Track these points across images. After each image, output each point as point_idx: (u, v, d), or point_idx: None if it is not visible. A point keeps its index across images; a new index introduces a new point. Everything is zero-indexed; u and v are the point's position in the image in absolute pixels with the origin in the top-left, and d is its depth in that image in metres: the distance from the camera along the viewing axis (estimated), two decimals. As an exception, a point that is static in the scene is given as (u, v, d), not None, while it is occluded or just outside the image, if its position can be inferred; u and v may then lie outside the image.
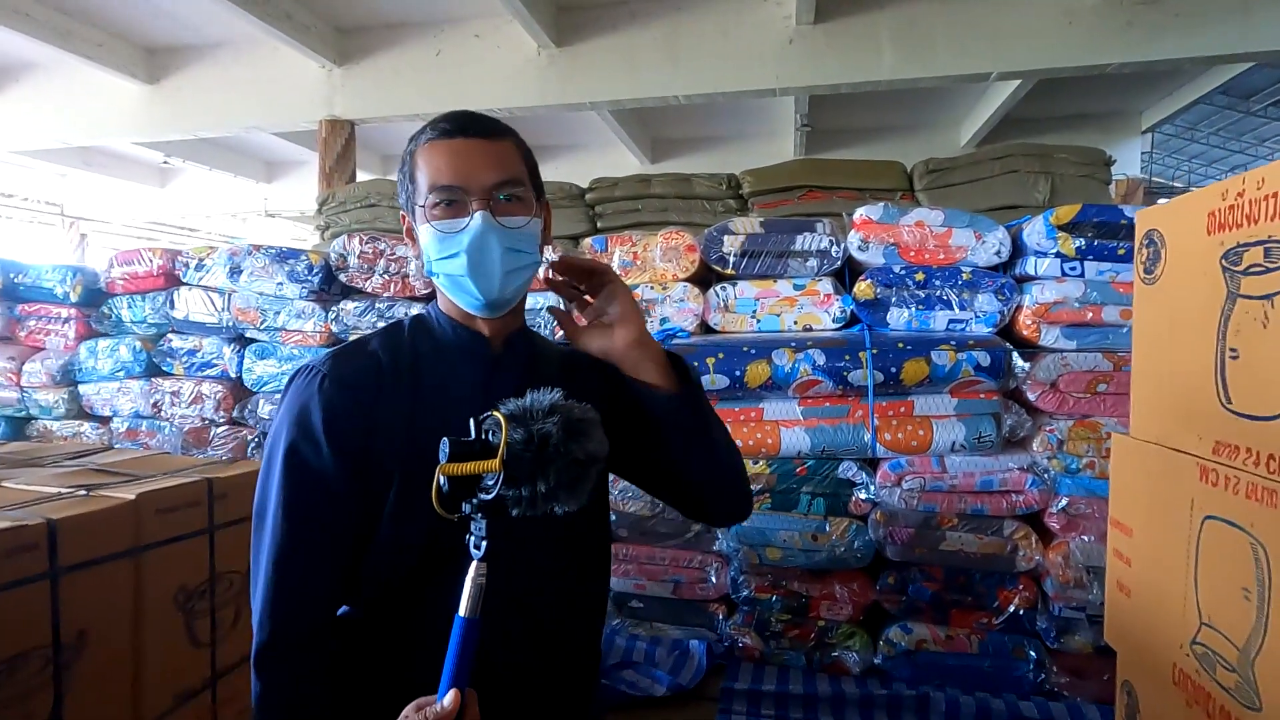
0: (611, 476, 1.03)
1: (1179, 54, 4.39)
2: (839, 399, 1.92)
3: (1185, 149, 9.80)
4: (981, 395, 1.87)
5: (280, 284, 2.40)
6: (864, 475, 1.92)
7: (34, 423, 2.69)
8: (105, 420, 2.64)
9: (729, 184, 3.09)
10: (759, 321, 2.09)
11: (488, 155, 0.83)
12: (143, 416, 2.57)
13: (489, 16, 4.97)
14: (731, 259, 2.10)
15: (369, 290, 2.38)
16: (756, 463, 1.94)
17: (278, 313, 2.42)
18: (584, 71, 5.00)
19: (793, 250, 2.08)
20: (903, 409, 1.90)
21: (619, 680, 1.89)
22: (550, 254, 0.95)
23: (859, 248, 2.05)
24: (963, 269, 1.97)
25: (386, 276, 2.37)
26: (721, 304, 2.11)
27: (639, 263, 2.22)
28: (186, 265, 2.52)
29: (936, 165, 2.89)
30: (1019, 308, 1.93)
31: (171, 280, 2.57)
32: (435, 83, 5.18)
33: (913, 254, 2.01)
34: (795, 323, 2.07)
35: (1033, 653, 1.85)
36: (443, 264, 0.84)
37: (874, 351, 1.85)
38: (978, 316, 1.95)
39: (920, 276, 1.97)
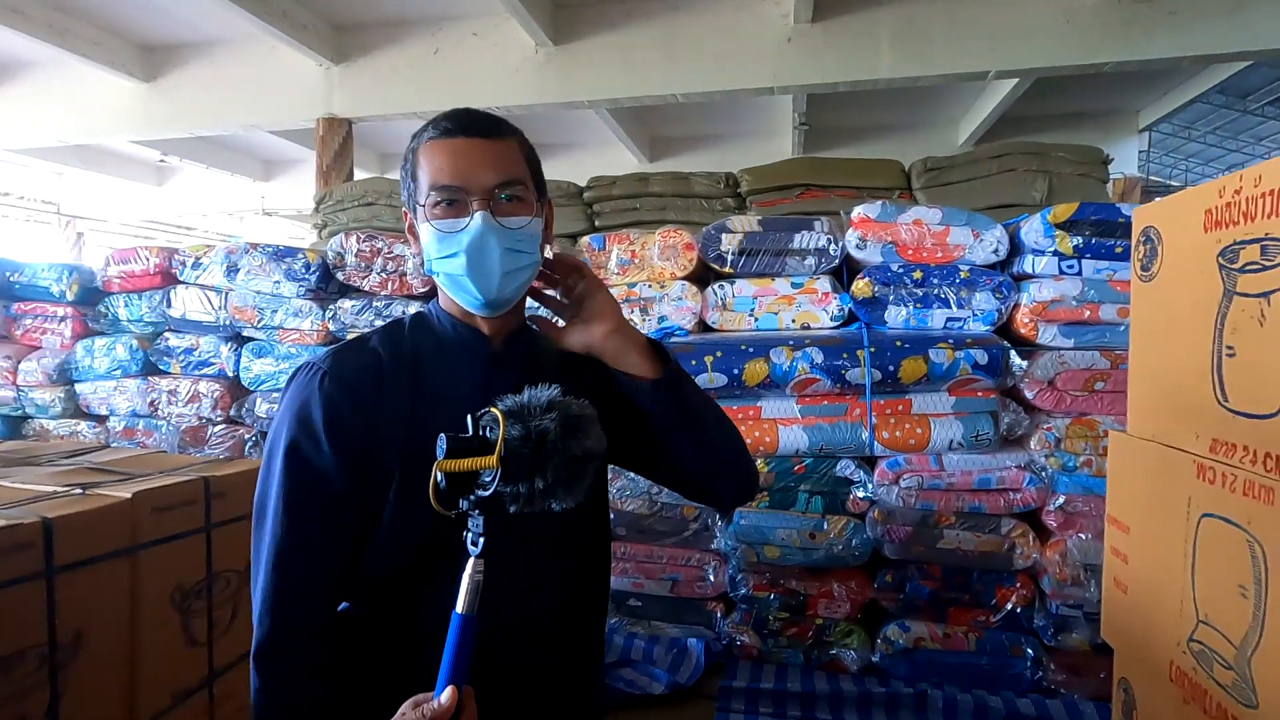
0: (610, 474, 1.03)
1: (1176, 53, 4.39)
2: (837, 397, 1.92)
3: (1183, 148, 9.81)
4: (979, 393, 1.88)
5: (277, 282, 2.39)
6: (862, 473, 1.92)
7: (30, 422, 2.68)
8: (102, 419, 2.63)
9: (727, 182, 3.08)
10: (757, 320, 2.09)
11: (489, 155, 0.83)
12: (139, 415, 2.56)
13: (487, 15, 4.96)
14: (729, 257, 2.10)
15: (366, 289, 2.38)
16: (754, 461, 1.94)
17: (275, 311, 2.42)
18: (582, 70, 5.00)
19: (791, 249, 2.08)
20: (900, 407, 1.90)
21: (617, 678, 1.89)
22: (550, 254, 0.95)
23: (857, 246, 2.05)
24: (960, 267, 1.97)
25: (384, 275, 2.36)
26: (719, 302, 2.11)
27: (637, 261, 2.22)
28: (183, 264, 2.51)
29: (934, 164, 2.89)
30: (1017, 306, 1.93)
31: (168, 279, 2.56)
32: (433, 81, 5.17)
33: (910, 252, 2.01)
34: (793, 321, 2.07)
35: (1030, 650, 1.85)
36: (442, 263, 0.84)
37: (872, 350, 1.86)
38: (975, 315, 1.95)
39: (918, 275, 1.97)
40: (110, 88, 5.65)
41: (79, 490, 1.31)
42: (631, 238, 2.25)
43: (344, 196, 3.47)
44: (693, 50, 4.83)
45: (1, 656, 1.08)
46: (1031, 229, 1.91)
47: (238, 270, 2.41)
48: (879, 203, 2.08)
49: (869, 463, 1.95)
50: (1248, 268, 0.86)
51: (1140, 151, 8.35)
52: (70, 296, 2.64)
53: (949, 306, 1.96)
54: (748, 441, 1.89)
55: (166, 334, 2.57)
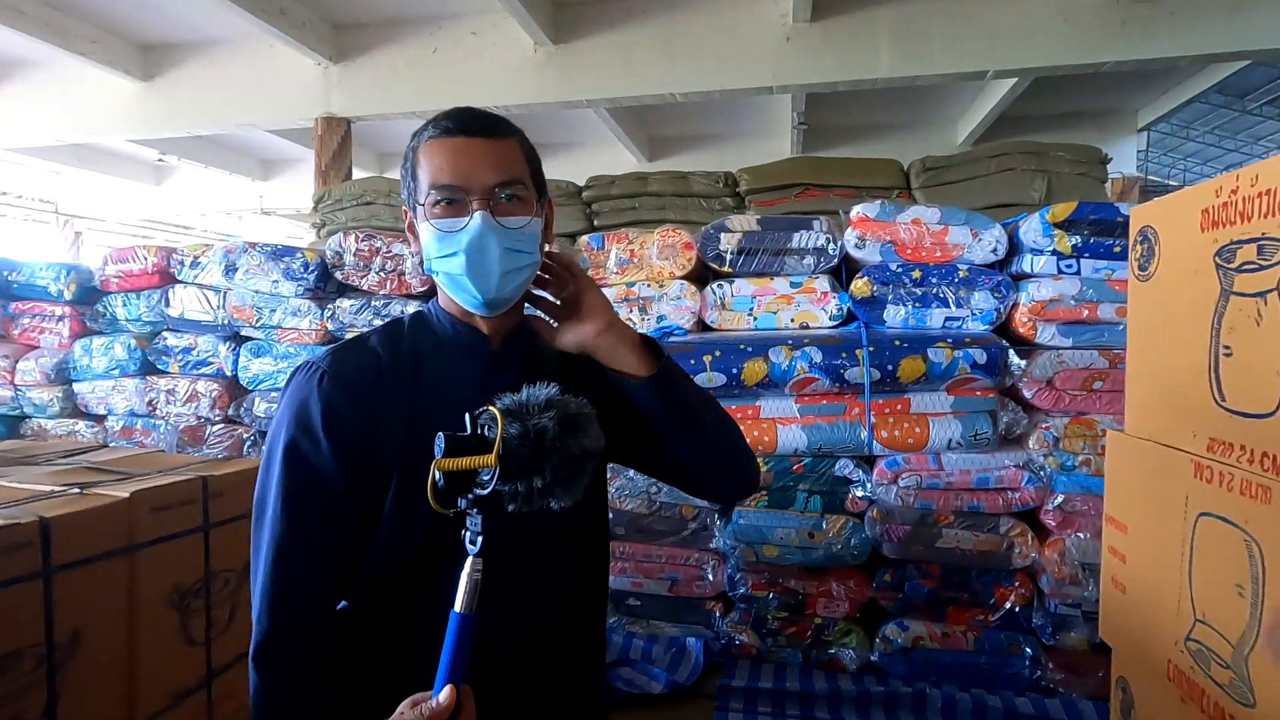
0: (609, 473, 1.03)
1: (1175, 52, 4.40)
2: (836, 396, 1.92)
3: (1181, 147, 9.82)
4: (978, 393, 1.88)
5: (276, 282, 2.39)
6: (861, 473, 1.92)
7: (28, 421, 2.68)
8: (100, 419, 2.63)
9: (726, 182, 3.08)
10: (756, 319, 2.09)
11: (489, 154, 0.83)
12: (138, 415, 2.56)
13: (486, 13, 4.96)
14: (728, 257, 2.10)
15: (365, 288, 2.38)
16: (756, 458, 1.94)
17: (273, 310, 2.42)
18: (581, 69, 4.99)
19: (789, 248, 2.08)
20: (899, 406, 1.90)
21: (616, 678, 1.89)
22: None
23: (856, 245, 2.05)
24: (959, 266, 1.97)
25: (382, 274, 2.36)
26: (718, 302, 2.11)
27: (636, 260, 2.22)
28: (182, 263, 2.51)
29: (933, 163, 2.89)
30: (1015, 305, 1.93)
31: (166, 278, 2.55)
32: (432, 80, 5.17)
33: (909, 252, 2.01)
34: (792, 320, 2.07)
35: (1029, 649, 1.85)
36: (442, 262, 0.84)
37: (870, 349, 1.86)
38: (974, 314, 1.95)
39: (917, 274, 1.97)
40: (108, 86, 5.64)
41: (77, 490, 1.31)
42: (630, 237, 2.24)
43: (342, 196, 3.46)
44: (692, 50, 4.83)
45: (-1, 656, 1.08)
46: (1030, 228, 1.91)
47: (236, 269, 2.41)
48: (878, 202, 2.08)
49: (868, 462, 1.95)
50: (1244, 267, 0.86)
51: (1139, 151, 8.36)
52: (68, 296, 2.64)
53: (948, 306, 1.96)
54: (746, 440, 1.91)
55: (165, 333, 2.56)
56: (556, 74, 5.01)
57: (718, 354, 1.91)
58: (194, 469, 1.53)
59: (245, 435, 2.47)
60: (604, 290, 2.19)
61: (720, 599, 2.07)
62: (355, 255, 2.36)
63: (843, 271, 2.12)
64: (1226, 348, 0.90)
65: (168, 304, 2.51)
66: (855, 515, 1.93)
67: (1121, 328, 1.83)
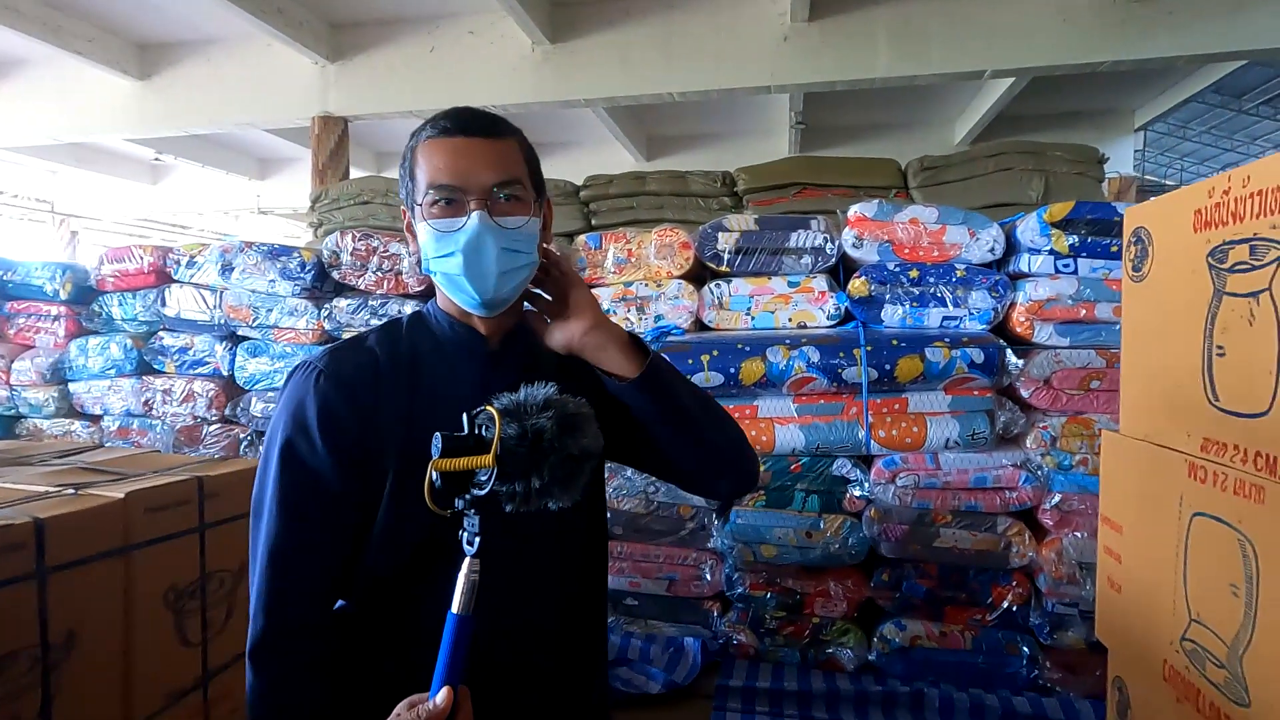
0: (606, 473, 1.03)
1: (1173, 52, 4.40)
2: (833, 396, 1.92)
3: (1178, 147, 9.85)
4: (975, 392, 1.88)
5: (272, 281, 2.39)
6: (858, 472, 1.92)
7: (23, 421, 2.67)
8: (96, 419, 2.62)
9: (724, 181, 3.08)
10: (753, 319, 2.09)
11: (487, 154, 0.83)
12: (134, 415, 2.55)
13: (483, 13, 4.95)
14: (726, 256, 2.10)
15: (362, 287, 2.37)
16: (756, 456, 1.94)
17: (270, 310, 2.41)
18: (579, 68, 4.99)
19: (787, 247, 2.09)
20: (897, 406, 1.90)
21: (614, 678, 1.89)
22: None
23: (853, 245, 2.05)
24: (957, 266, 1.97)
25: (380, 274, 2.36)
26: (716, 301, 2.11)
27: (634, 260, 2.22)
28: (178, 262, 2.50)
29: (931, 163, 2.89)
30: (1013, 305, 1.94)
31: (163, 278, 2.55)
32: (429, 79, 5.16)
33: (907, 251, 2.02)
34: (790, 320, 2.07)
35: (1026, 649, 1.86)
36: (439, 262, 0.84)
37: (868, 348, 1.86)
38: (971, 313, 1.95)
39: (914, 274, 1.98)
40: (105, 85, 5.62)
41: (71, 490, 1.31)
42: (628, 236, 2.24)
43: (340, 195, 3.45)
44: (690, 49, 4.82)
45: (-6, 657, 1.08)
46: (1027, 228, 1.91)
47: (233, 269, 2.41)
48: (875, 201, 2.08)
49: (865, 461, 1.96)
50: (1237, 268, 0.86)
51: (1136, 150, 8.37)
52: (64, 295, 2.63)
53: (945, 305, 1.96)
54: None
55: (161, 333, 2.56)
56: (554, 73, 5.01)
57: (715, 353, 1.91)
58: (190, 469, 1.52)
59: (242, 435, 2.47)
60: (601, 290, 2.21)
61: (718, 599, 2.07)
62: (352, 255, 2.36)
63: (840, 271, 2.12)
64: (1220, 348, 0.90)
65: (164, 304, 2.51)
66: (853, 515, 1.93)
67: (1118, 327, 1.83)
